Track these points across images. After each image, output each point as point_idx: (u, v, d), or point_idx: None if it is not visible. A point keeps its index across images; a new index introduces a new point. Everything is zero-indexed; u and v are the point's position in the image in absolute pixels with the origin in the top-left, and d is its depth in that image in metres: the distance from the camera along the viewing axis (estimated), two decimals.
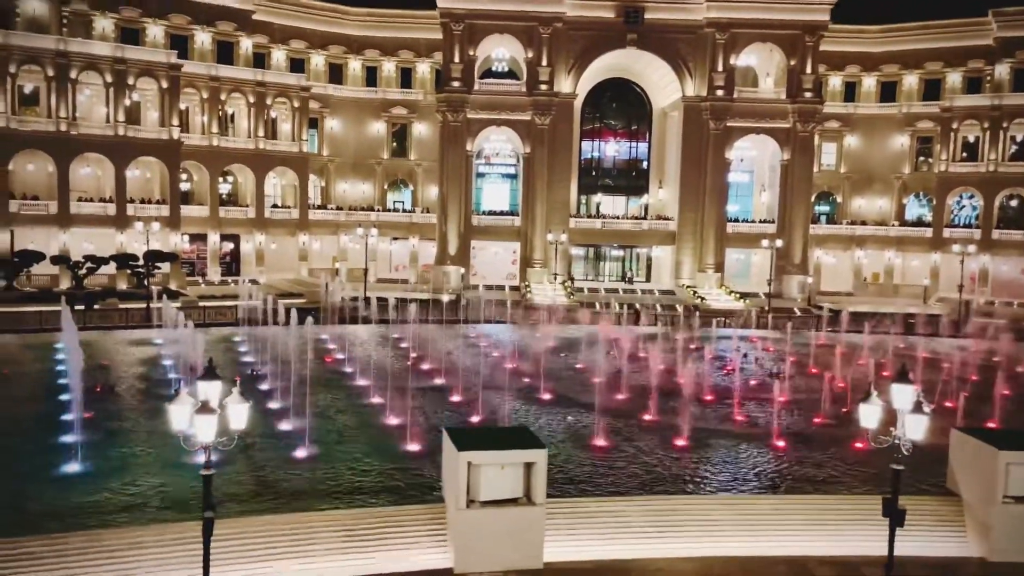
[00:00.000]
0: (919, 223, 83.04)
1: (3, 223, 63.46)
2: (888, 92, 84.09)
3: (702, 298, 70.70)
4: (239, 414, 15.37)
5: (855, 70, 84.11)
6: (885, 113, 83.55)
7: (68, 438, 26.73)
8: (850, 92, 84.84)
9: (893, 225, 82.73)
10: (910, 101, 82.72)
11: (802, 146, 76.41)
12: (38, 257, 60.89)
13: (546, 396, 36.13)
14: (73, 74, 64.27)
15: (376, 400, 34.09)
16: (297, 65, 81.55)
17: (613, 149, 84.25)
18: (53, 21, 67.33)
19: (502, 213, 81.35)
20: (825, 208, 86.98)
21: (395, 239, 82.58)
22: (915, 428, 16.39)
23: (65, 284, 62.69)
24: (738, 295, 72.41)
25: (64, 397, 32.48)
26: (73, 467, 24.59)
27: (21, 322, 50.77)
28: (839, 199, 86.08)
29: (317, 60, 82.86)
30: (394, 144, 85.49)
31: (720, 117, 75.22)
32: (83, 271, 62.23)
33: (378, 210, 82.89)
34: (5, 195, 63.39)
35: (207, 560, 15.31)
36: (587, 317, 56.02)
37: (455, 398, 35.32)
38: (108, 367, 39.53)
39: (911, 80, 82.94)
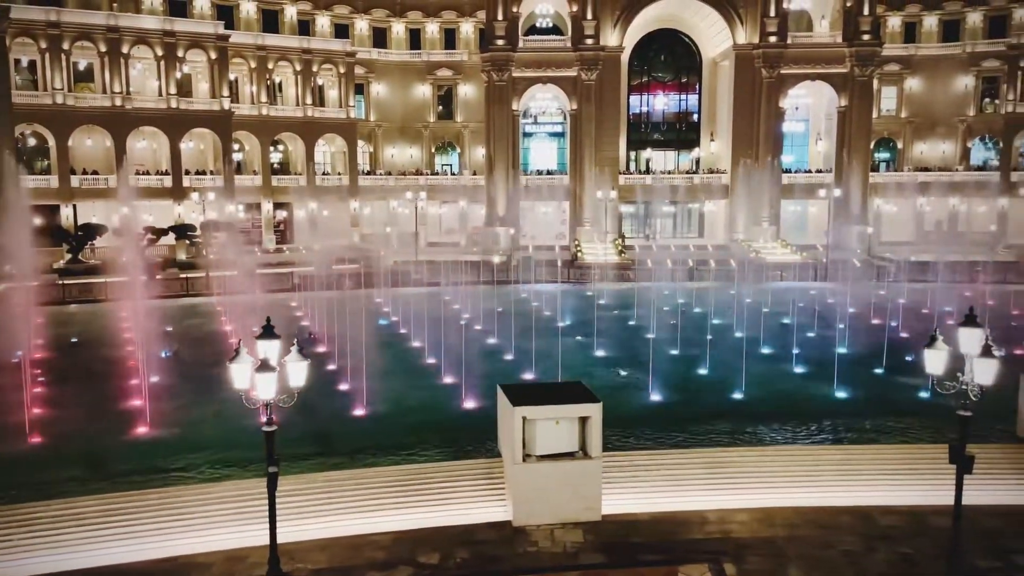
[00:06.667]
0: (985, 168, 79.76)
1: (66, 198, 65.51)
2: (951, 31, 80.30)
3: (757, 252, 69.33)
4: (298, 371, 15.62)
5: (915, 9, 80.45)
6: (948, 53, 79.81)
7: (137, 402, 27.64)
8: (910, 32, 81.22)
9: (957, 170, 79.56)
10: (974, 40, 78.87)
11: (860, 91, 73.76)
12: (101, 230, 62.67)
13: (599, 352, 36.02)
14: (125, 49, 65.36)
15: (430, 361, 34.44)
16: (341, 31, 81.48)
17: (662, 103, 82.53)
18: None
19: (550, 172, 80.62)
20: (885, 155, 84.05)
21: (444, 203, 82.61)
22: (984, 373, 15.67)
23: (127, 256, 64.39)
24: (794, 248, 70.81)
25: (131, 363, 33.58)
26: (143, 428, 25.46)
27: (88, 293, 52.63)
28: (900, 145, 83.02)
29: (361, 25, 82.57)
30: (440, 107, 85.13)
31: (773, 64, 72.92)
32: (144, 243, 63.83)
33: (426, 174, 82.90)
34: (67, 170, 65.34)
35: (273, 513, 15.75)
36: (638, 275, 55.47)
37: (508, 356, 35.49)
38: (171, 334, 40.74)
39: (975, 17, 78.99)
